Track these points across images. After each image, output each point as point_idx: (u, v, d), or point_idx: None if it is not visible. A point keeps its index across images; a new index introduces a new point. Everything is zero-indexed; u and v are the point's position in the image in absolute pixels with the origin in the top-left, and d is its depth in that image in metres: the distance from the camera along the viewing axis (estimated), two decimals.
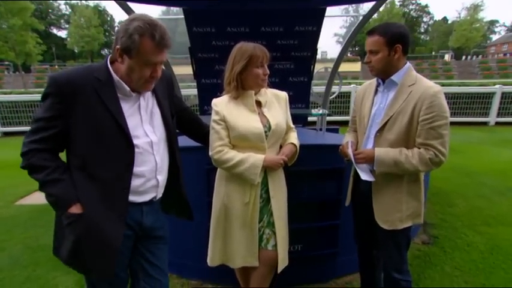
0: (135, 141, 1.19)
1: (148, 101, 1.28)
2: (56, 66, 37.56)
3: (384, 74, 1.50)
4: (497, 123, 8.56)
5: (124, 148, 1.17)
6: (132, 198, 1.22)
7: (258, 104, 1.58)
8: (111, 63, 1.18)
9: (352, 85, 9.01)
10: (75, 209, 1.12)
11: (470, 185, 4.14)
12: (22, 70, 28.33)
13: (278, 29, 3.50)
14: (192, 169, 1.78)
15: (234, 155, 1.50)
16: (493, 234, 2.86)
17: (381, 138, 1.51)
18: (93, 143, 1.13)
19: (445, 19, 59.23)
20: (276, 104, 1.63)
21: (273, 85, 1.67)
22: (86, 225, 1.13)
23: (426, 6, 57.34)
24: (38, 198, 4.00)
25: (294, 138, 1.67)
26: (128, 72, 1.16)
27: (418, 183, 1.55)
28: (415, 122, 1.41)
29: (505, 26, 61.50)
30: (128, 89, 1.18)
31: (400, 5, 49.55)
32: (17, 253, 2.68)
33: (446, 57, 41.16)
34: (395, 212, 1.52)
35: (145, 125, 1.25)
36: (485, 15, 50.24)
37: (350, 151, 1.56)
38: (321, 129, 3.02)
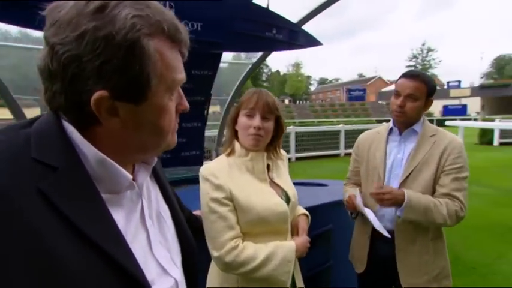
0: None
1: (150, 195, 0.63)
2: None
3: (409, 123, 1.44)
4: (345, 154, 10.45)
5: None
6: None
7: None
8: (82, 131, 0.50)
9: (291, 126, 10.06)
10: None
11: None
12: None
13: None
14: None
15: (256, 251, 1.05)
16: None
17: None
18: None
19: (278, 72, 74.15)
20: (281, 165, 1.25)
21: None
22: None
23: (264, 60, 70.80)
24: None
25: (301, 208, 1.33)
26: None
27: (442, 240, 1.46)
28: (440, 171, 1.36)
29: (316, 80, 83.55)
30: (128, 176, 0.52)
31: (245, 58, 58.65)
32: None
33: (286, 101, 50.74)
34: (422, 274, 1.40)
35: (157, 250, 0.58)
36: (304, 71, 67.26)
37: (359, 201, 1.42)
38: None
